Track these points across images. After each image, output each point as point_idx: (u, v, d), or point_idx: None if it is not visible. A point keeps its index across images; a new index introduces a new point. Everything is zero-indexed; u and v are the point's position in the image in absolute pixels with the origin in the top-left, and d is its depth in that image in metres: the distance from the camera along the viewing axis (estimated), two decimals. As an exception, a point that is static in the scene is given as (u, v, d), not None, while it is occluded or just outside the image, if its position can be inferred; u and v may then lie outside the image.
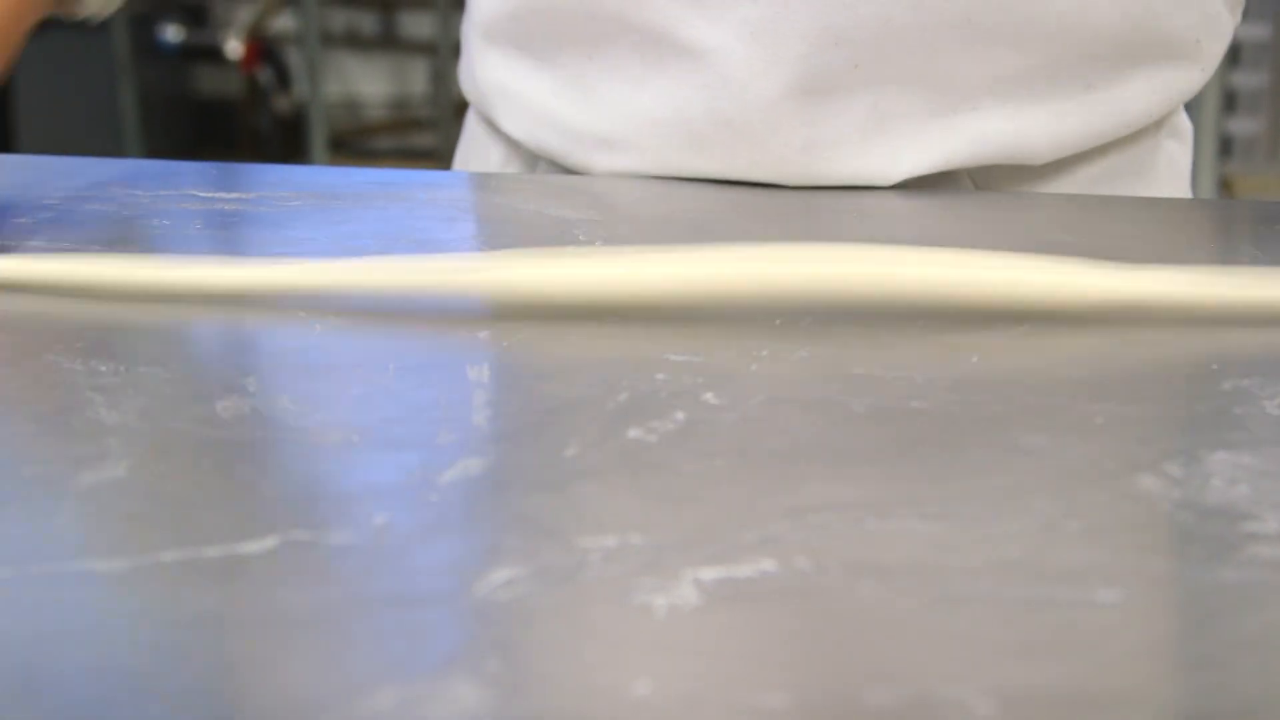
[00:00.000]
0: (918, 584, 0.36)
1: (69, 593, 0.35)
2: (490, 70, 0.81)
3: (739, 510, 0.40)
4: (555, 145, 0.79)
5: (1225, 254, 0.71)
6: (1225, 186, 2.77)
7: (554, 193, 0.77)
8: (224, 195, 0.72)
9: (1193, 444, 0.44)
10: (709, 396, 0.47)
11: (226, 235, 0.66)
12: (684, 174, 0.76)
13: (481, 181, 0.78)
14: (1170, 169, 0.83)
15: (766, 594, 0.35)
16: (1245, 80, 3.10)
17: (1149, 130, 0.81)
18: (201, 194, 0.72)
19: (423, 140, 4.32)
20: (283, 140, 4.31)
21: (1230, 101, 2.99)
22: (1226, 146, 2.99)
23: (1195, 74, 0.79)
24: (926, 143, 0.74)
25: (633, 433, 0.44)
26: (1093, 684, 0.32)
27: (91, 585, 0.36)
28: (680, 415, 0.46)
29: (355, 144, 4.44)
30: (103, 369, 0.49)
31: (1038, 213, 0.73)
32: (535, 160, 0.83)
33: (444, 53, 3.94)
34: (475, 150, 0.88)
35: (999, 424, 0.46)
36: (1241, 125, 3.06)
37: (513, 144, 0.84)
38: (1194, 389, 0.49)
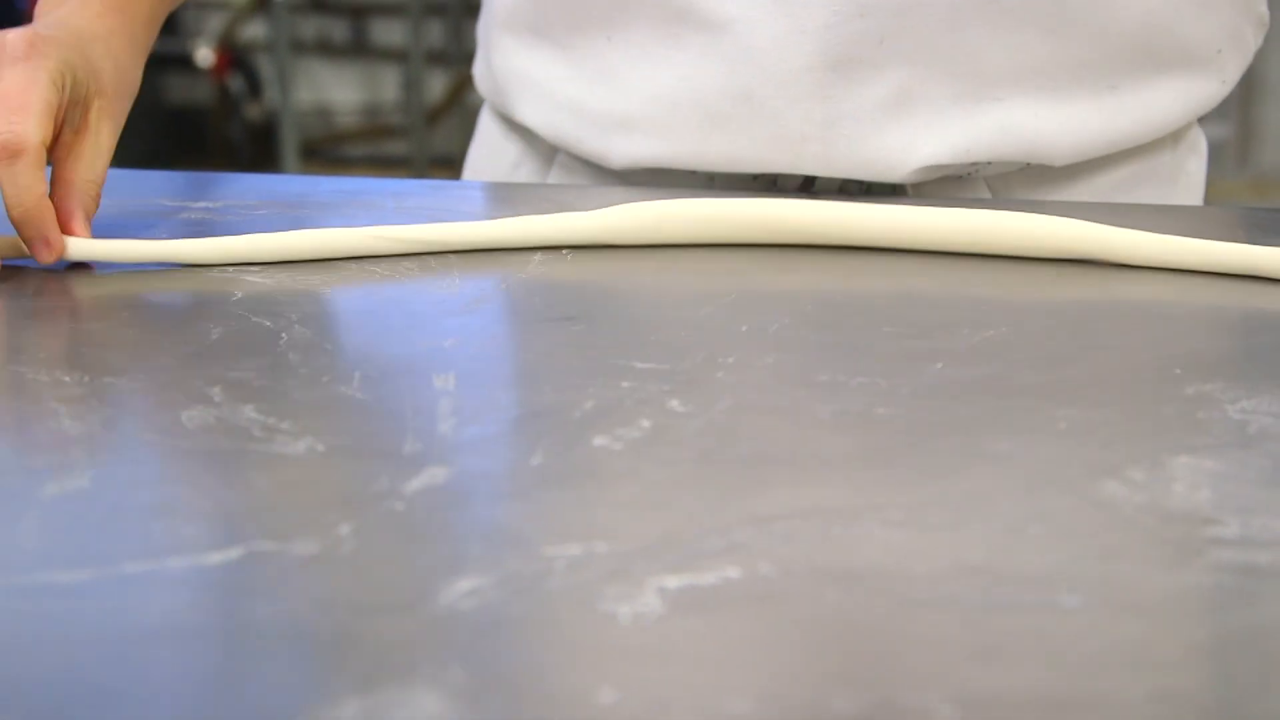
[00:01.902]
0: (881, 589, 0.36)
1: (32, 604, 0.35)
2: (508, 59, 0.81)
3: (704, 517, 0.40)
4: (572, 131, 0.78)
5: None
6: (1195, 191, 2.77)
7: (520, 199, 0.77)
8: (191, 204, 0.72)
9: (1156, 448, 0.44)
10: (675, 404, 0.47)
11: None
12: (703, 157, 0.75)
13: (447, 190, 0.78)
14: (1187, 183, 0.83)
15: (730, 601, 0.36)
16: (1214, 85, 3.11)
17: (1167, 143, 0.81)
18: (169, 202, 0.72)
19: (395, 147, 4.31)
20: (254, 148, 4.30)
21: (1200, 107, 3.00)
22: (1197, 150, 3.00)
23: (1216, 86, 0.79)
24: (947, 130, 0.73)
25: (598, 440, 0.44)
26: (1055, 688, 0.32)
27: (55, 596, 0.36)
28: (646, 423, 0.46)
29: (327, 151, 4.43)
30: (67, 380, 0.49)
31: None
32: (553, 153, 0.83)
33: (415, 60, 3.93)
34: (488, 150, 0.88)
35: (963, 429, 0.46)
36: (1212, 131, 3.07)
37: (529, 139, 0.84)
38: (1158, 393, 0.49)
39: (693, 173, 0.78)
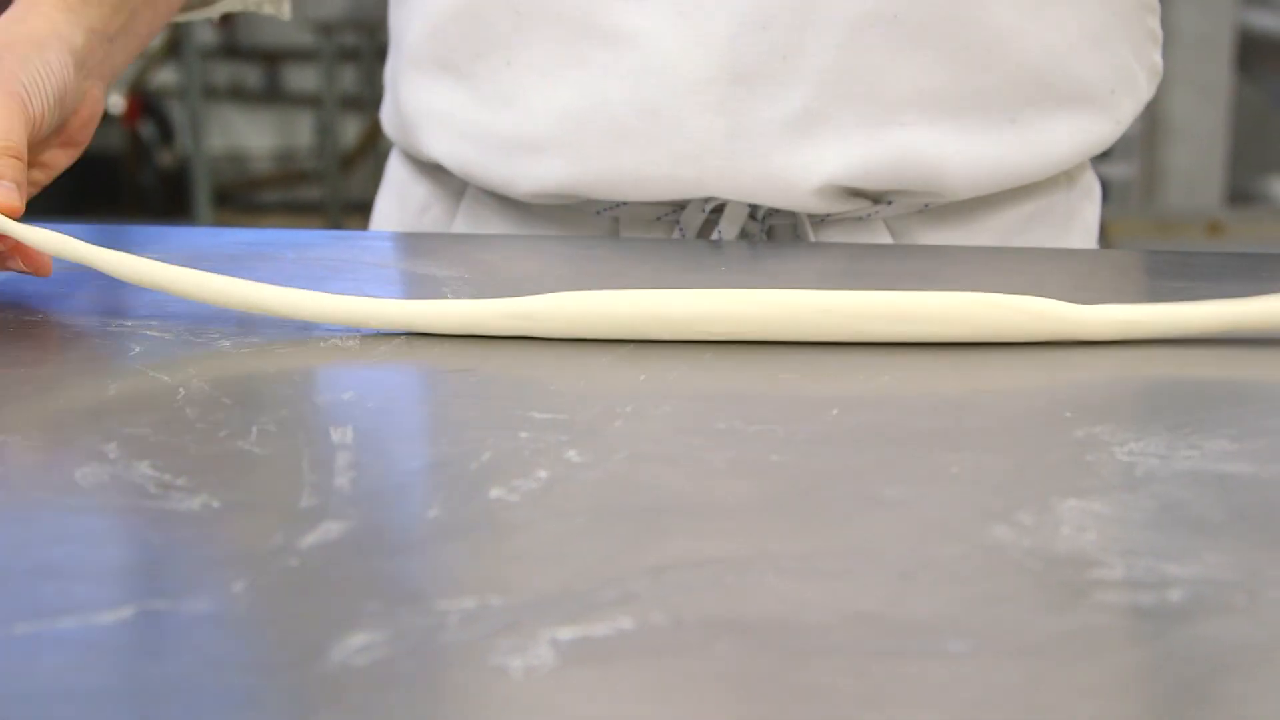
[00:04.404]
0: (773, 639, 0.37)
1: (-82, 668, 0.35)
2: (413, 94, 0.82)
3: (598, 568, 0.40)
4: (478, 160, 0.79)
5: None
6: (1100, 229, 2.82)
7: (424, 250, 0.77)
8: (91, 258, 0.71)
9: (1045, 492, 0.45)
10: (572, 454, 0.47)
11: (91, 298, 0.65)
12: (609, 175, 0.76)
13: (351, 241, 0.78)
14: (1082, 227, 0.86)
15: (622, 652, 0.36)
16: (1119, 126, 3.17)
17: (1061, 184, 0.84)
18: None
19: (309, 193, 4.30)
20: (167, 195, 4.27)
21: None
22: (1102, 191, 3.05)
23: (1110, 126, 0.82)
24: (849, 151, 0.74)
25: (495, 492, 0.44)
26: (940, 734, 0.33)
27: (-58, 660, 0.35)
28: (543, 474, 0.46)
29: (241, 198, 4.41)
30: (-41, 438, 0.49)
31: (955, 266, 0.74)
32: (460, 192, 0.83)
33: (329, 105, 3.93)
34: (396, 194, 0.89)
35: (857, 476, 0.46)
36: (1116, 170, 3.13)
37: (437, 179, 0.85)
38: (1048, 437, 0.50)
39: (598, 213, 0.79)
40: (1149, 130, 3.22)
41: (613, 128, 0.75)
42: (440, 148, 0.81)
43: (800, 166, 0.75)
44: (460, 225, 0.84)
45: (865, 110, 0.74)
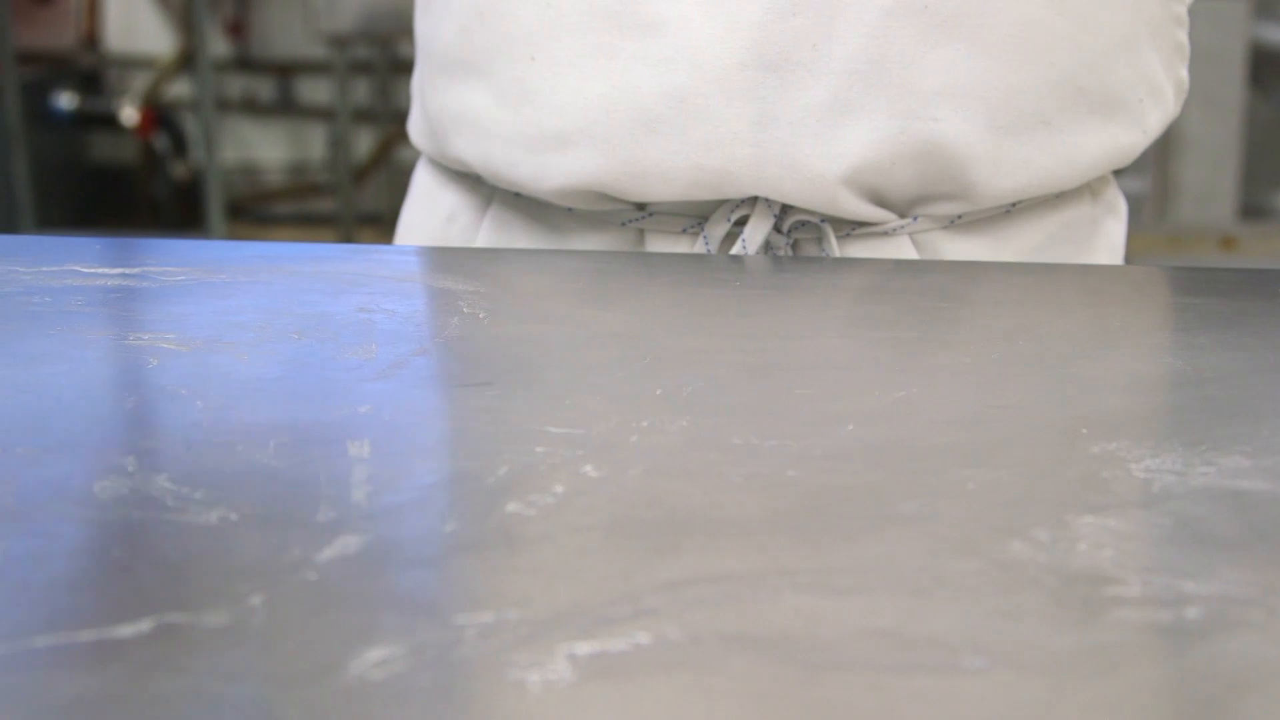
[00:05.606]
0: (789, 654, 0.37)
1: (-62, 681, 0.35)
2: (440, 98, 0.82)
3: (614, 583, 0.40)
4: (504, 157, 0.79)
5: (1172, 321, 0.73)
6: (1114, 245, 2.82)
7: (439, 264, 0.77)
8: (107, 271, 0.72)
9: (1061, 508, 0.45)
10: (588, 469, 0.47)
11: (107, 311, 0.66)
12: (637, 166, 0.75)
13: (367, 255, 0.78)
14: (1107, 244, 0.86)
15: (639, 667, 0.36)
16: (1132, 140, 3.16)
17: (1086, 197, 0.83)
18: (84, 269, 0.72)
19: (322, 205, 4.31)
20: (180, 207, 4.28)
21: (1118, 161, 3.05)
22: (1116, 206, 3.05)
23: (1137, 135, 0.81)
24: (880, 142, 0.75)
25: (511, 507, 0.45)
26: (957, 750, 0.33)
27: (-39, 672, 0.35)
28: (559, 488, 0.46)
29: (254, 210, 4.42)
30: (-22, 450, 0.49)
31: (979, 281, 0.74)
32: (489, 197, 0.83)
33: (342, 118, 3.94)
34: (422, 205, 0.89)
35: (872, 492, 0.46)
36: (1129, 185, 3.13)
37: (465, 188, 0.85)
38: (1064, 453, 0.50)
39: (624, 224, 0.79)
40: (1161, 145, 3.22)
41: (640, 116, 0.75)
42: (468, 148, 0.81)
43: (828, 156, 0.74)
44: (486, 234, 0.84)
45: (896, 101, 0.74)
